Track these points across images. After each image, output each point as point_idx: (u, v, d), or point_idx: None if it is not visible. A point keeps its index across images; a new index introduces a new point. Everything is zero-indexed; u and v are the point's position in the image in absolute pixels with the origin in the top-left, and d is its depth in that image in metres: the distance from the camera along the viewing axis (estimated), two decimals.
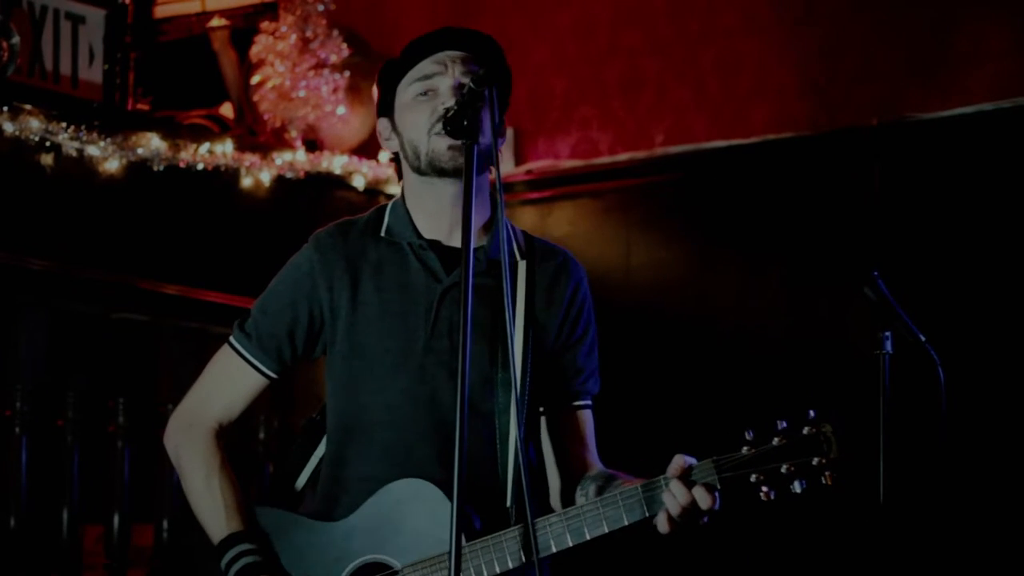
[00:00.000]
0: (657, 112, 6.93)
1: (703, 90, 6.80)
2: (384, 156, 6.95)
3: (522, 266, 3.03)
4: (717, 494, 2.72)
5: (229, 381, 3.10)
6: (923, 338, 3.66)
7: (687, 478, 2.72)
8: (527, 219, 7.06)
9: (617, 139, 7.03)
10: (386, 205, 3.12)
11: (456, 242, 3.01)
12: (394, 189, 6.85)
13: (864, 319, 3.83)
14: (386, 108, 3.08)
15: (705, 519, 2.75)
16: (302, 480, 3.16)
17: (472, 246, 2.92)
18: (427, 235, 3.03)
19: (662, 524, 2.76)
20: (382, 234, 3.05)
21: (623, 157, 6.98)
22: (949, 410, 3.63)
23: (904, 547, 3.91)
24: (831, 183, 6.29)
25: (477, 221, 2.96)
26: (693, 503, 2.71)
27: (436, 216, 3.02)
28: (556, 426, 3.10)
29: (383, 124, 3.09)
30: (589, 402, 3.13)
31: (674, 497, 2.71)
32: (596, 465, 3.06)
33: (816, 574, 5.95)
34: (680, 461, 2.75)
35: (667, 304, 6.70)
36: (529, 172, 7.22)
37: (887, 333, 3.66)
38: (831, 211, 6.24)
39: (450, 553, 2.54)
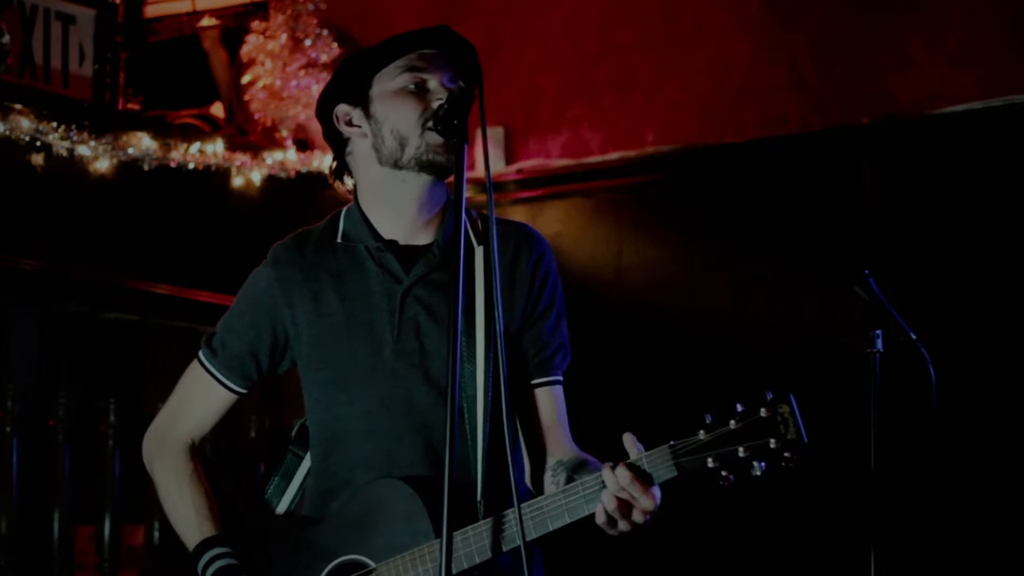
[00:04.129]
0: (648, 111, 6.93)
1: (694, 89, 6.81)
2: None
3: (478, 251, 2.98)
4: (657, 488, 2.67)
5: (198, 397, 3.12)
6: (914, 336, 3.66)
7: (635, 465, 2.67)
8: (518, 218, 7.03)
9: (608, 138, 7.03)
10: (340, 211, 3.07)
11: (413, 241, 2.99)
12: None
13: (855, 318, 3.83)
14: (355, 96, 3.01)
15: (647, 517, 2.69)
16: (288, 498, 3.15)
17: (425, 242, 2.98)
18: (385, 235, 3.00)
19: (599, 514, 2.70)
20: (338, 239, 3.03)
21: (614, 156, 6.98)
22: (940, 408, 3.63)
23: (896, 544, 3.91)
24: (822, 182, 6.30)
25: (431, 220, 2.99)
26: (636, 483, 2.64)
27: (398, 213, 2.99)
28: (525, 404, 3.04)
29: (345, 109, 3.01)
30: (559, 378, 3.05)
31: (616, 480, 2.66)
32: (568, 446, 3.00)
33: (811, 572, 5.95)
34: (630, 438, 2.71)
35: (658, 303, 6.70)
36: (520, 171, 7.22)
37: (878, 332, 3.66)
38: (822, 210, 6.25)
39: (441, 551, 2.54)
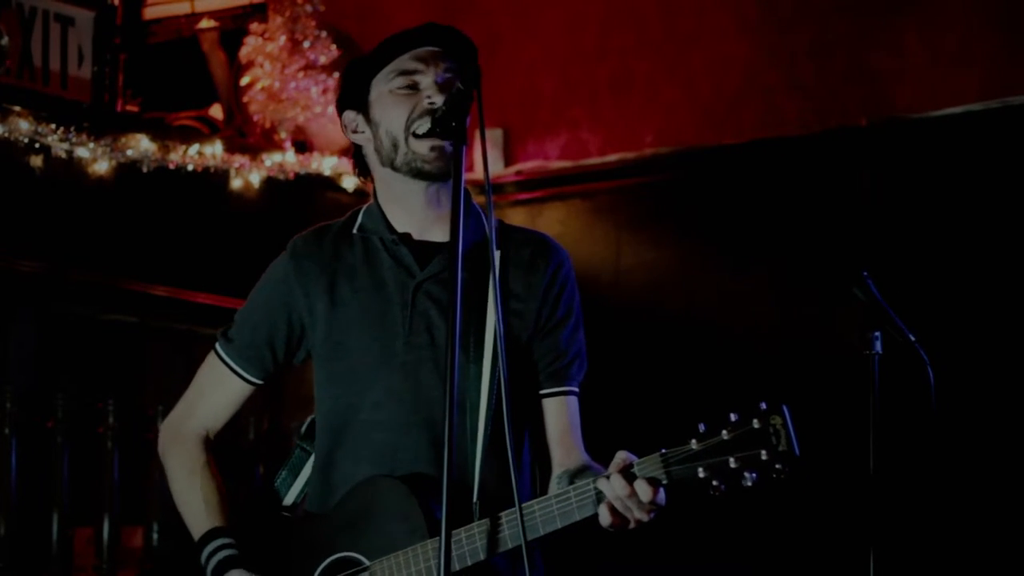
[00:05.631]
0: (647, 113, 6.93)
1: (693, 91, 6.81)
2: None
3: (496, 255, 2.97)
4: (662, 489, 2.67)
5: (215, 388, 3.13)
6: (913, 338, 3.66)
7: (630, 471, 2.68)
8: (517, 220, 7.05)
9: (607, 140, 7.04)
10: (360, 208, 3.11)
11: (428, 236, 3.02)
12: None
13: (854, 319, 3.83)
14: (357, 102, 3.05)
15: (652, 515, 2.70)
16: (294, 492, 3.16)
17: (441, 240, 2.99)
18: (400, 229, 3.02)
19: (604, 517, 2.71)
20: (355, 231, 3.06)
21: (613, 158, 6.99)
22: (939, 409, 3.63)
23: (896, 545, 3.91)
24: (821, 183, 6.30)
25: (445, 216, 2.98)
26: (633, 496, 2.66)
27: (409, 209, 3.02)
28: (538, 413, 3.05)
29: (351, 116, 3.06)
30: (574, 388, 3.06)
31: (613, 489, 2.67)
32: (578, 456, 3.01)
33: (811, 572, 5.96)
34: (623, 456, 2.71)
35: (657, 304, 6.71)
36: (519, 173, 7.22)
37: (877, 333, 3.67)
38: (821, 211, 6.25)
39: (439, 551, 2.54)
